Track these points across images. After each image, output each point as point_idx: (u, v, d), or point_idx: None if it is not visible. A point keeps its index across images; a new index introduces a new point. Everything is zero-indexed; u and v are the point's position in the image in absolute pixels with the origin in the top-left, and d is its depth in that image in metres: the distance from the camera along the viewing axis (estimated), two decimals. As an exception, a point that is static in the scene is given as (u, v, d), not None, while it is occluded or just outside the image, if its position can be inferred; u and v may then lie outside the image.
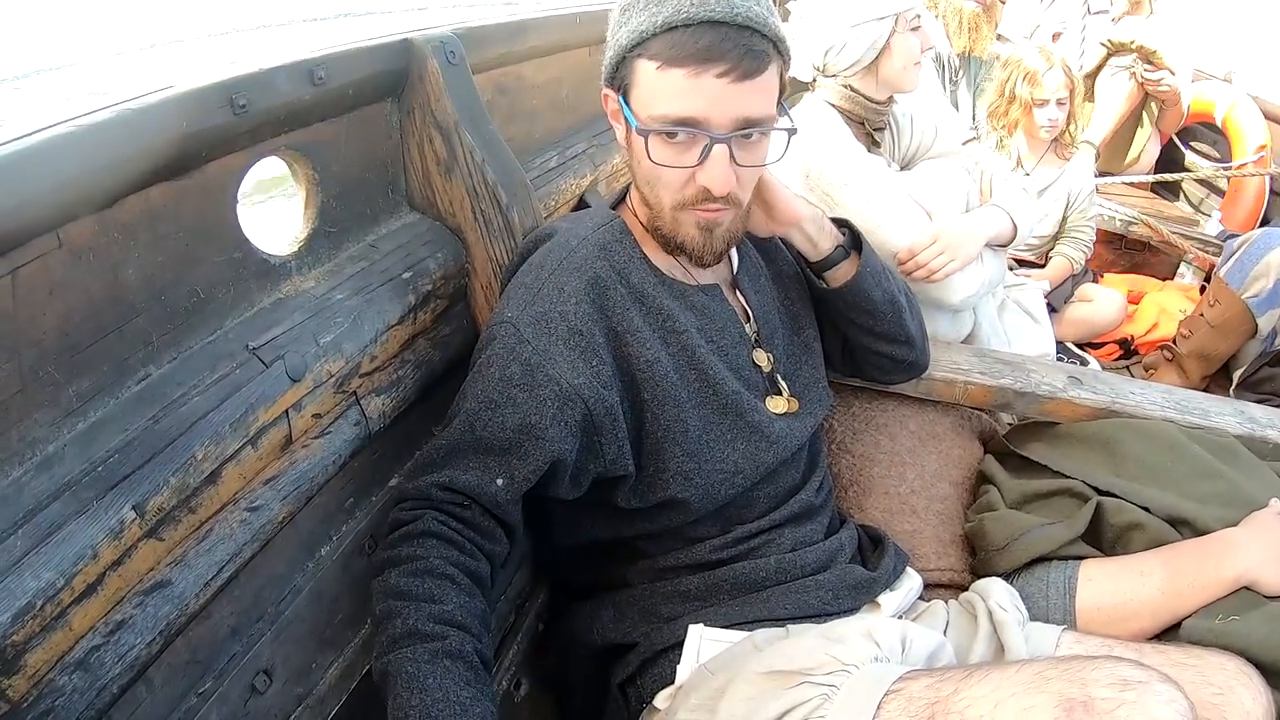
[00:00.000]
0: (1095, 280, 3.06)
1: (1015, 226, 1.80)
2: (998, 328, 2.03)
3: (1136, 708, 0.81)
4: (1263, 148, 3.61)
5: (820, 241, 1.30)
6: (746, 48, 0.99)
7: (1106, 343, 3.01)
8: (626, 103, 1.07)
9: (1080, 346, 2.93)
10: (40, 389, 0.81)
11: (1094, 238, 2.93)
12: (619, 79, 1.08)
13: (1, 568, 0.74)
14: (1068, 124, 2.80)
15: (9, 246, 0.77)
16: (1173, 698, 0.82)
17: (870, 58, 1.71)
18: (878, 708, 0.91)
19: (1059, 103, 2.72)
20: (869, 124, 1.80)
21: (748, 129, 1.03)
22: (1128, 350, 3.00)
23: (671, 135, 1.03)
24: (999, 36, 3.72)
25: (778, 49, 1.05)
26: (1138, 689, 0.82)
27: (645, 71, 1.03)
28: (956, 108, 3.17)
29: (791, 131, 1.09)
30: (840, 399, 1.63)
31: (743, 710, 0.98)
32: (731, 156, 1.04)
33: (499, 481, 1.05)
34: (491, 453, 1.06)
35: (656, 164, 1.06)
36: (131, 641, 0.83)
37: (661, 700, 1.14)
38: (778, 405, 1.25)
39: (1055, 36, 3.88)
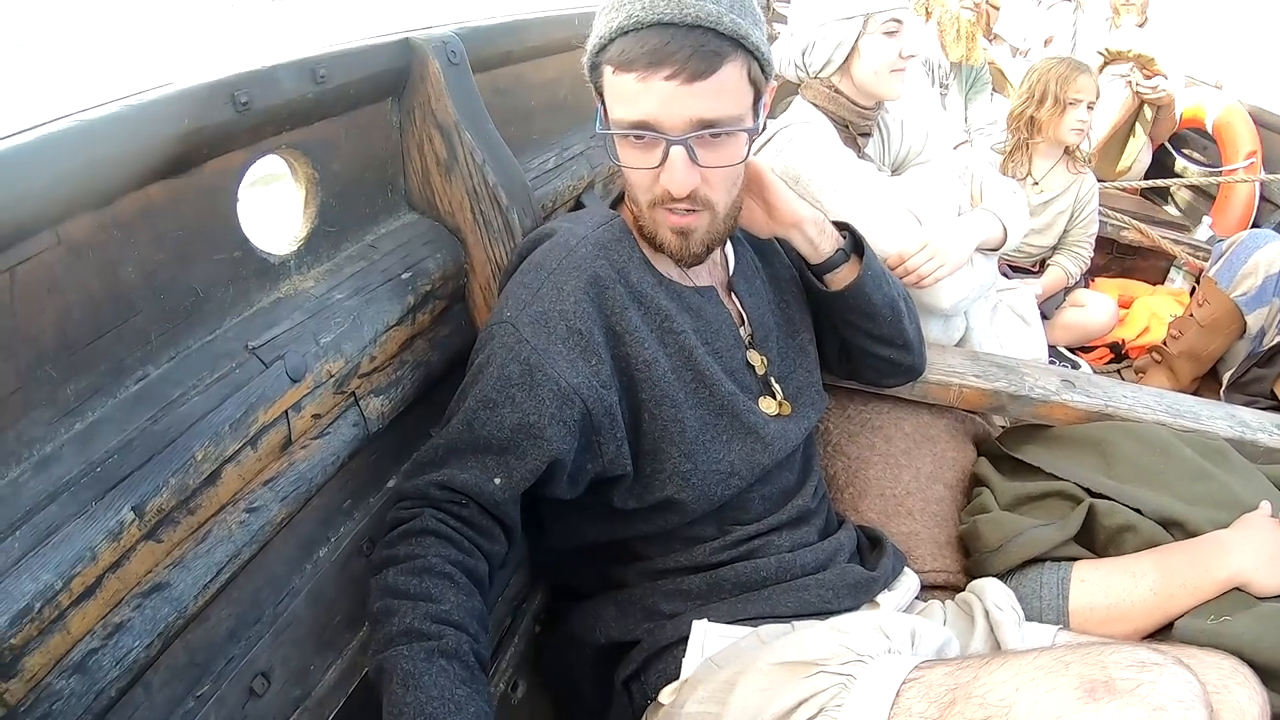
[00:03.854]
0: (1087, 285, 3.07)
1: (1006, 231, 1.80)
2: (989, 331, 2.04)
3: (1156, 687, 0.82)
4: (1252, 154, 3.65)
5: (821, 244, 1.29)
6: (695, 48, 0.98)
7: (1097, 347, 3.02)
8: (603, 105, 1.09)
9: (1071, 350, 2.94)
10: (38, 388, 0.81)
11: (1091, 253, 2.93)
12: (595, 85, 1.10)
13: (-1, 570, 0.73)
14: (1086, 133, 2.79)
15: (7, 244, 0.77)
16: (1188, 679, 0.84)
17: (839, 59, 1.71)
18: (896, 695, 0.92)
19: (1089, 105, 2.72)
20: (854, 128, 1.80)
21: (704, 130, 1.02)
22: (1119, 354, 3.01)
23: (634, 138, 1.05)
24: (996, 37, 3.75)
25: (743, 45, 1.02)
26: (1155, 670, 0.84)
27: (607, 77, 1.05)
28: (946, 110, 3.18)
29: (752, 132, 1.08)
30: (835, 401, 1.63)
31: (756, 700, 0.98)
32: (693, 158, 1.04)
33: (496, 480, 1.05)
34: (490, 452, 1.05)
35: (624, 166, 1.08)
36: (129, 644, 0.82)
37: (666, 695, 1.13)
38: (770, 407, 1.25)
39: (1047, 41, 3.91)
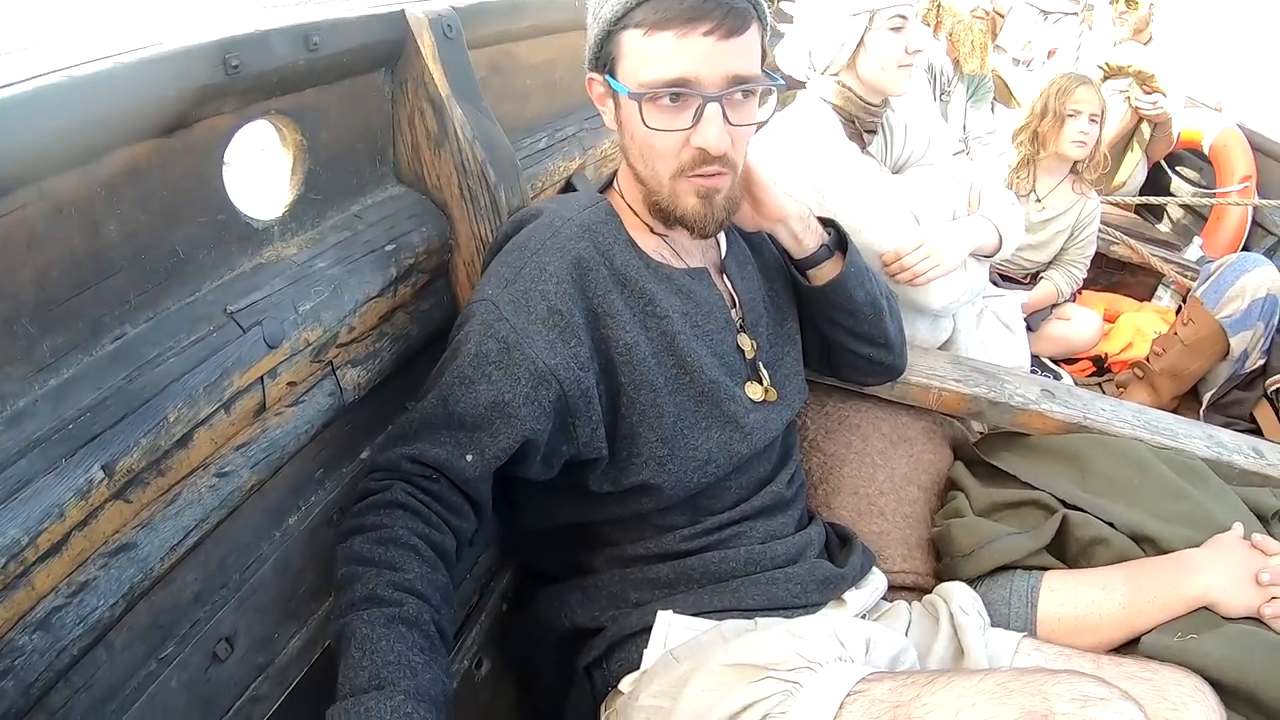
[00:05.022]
0: (1074, 299, 3.08)
1: (1001, 239, 1.82)
2: (974, 336, 2.05)
3: None
4: (1247, 178, 3.68)
5: (805, 239, 1.30)
6: (729, 6, 1.02)
7: (1081, 359, 3.04)
8: (614, 77, 1.09)
9: (1055, 362, 2.96)
10: (13, 342, 0.80)
11: (1085, 273, 2.92)
12: (604, 57, 1.10)
13: (-35, 524, 0.73)
14: (1094, 150, 2.76)
15: (-11, 195, 0.76)
16: (1133, 716, 0.82)
17: (846, 55, 1.72)
18: (839, 707, 0.92)
19: (1091, 118, 2.69)
20: (860, 123, 1.81)
21: (737, 86, 1.06)
22: (1101, 368, 3.03)
23: (666, 99, 1.06)
24: (997, 47, 3.75)
25: (755, 10, 1.07)
26: (1099, 705, 0.82)
27: (632, 41, 1.05)
28: (946, 119, 3.18)
29: (780, 88, 1.12)
30: (815, 398, 1.64)
31: (705, 700, 0.98)
32: (725, 116, 1.06)
33: (469, 457, 1.04)
34: (463, 428, 1.05)
35: (651, 129, 1.08)
36: (94, 603, 0.82)
37: (627, 684, 1.14)
38: (756, 392, 1.26)
39: (1051, 53, 3.91)
